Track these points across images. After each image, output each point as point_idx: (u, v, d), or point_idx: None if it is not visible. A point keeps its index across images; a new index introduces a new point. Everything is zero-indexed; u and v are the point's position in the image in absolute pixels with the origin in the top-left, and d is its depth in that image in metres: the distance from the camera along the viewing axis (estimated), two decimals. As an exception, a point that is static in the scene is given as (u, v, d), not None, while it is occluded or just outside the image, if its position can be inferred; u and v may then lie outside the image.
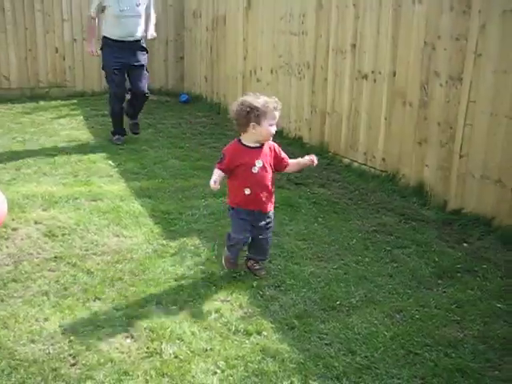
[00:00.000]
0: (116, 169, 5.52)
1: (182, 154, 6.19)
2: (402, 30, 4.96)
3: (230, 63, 8.32)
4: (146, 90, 6.48)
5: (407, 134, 4.99)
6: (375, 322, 2.93)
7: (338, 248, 3.83)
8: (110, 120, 6.70)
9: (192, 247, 3.75)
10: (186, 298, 3.11)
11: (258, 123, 3.10)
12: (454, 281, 3.42)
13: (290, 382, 2.44)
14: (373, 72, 5.36)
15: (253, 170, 3.18)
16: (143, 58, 6.43)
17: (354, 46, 5.58)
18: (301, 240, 3.92)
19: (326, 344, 2.73)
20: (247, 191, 3.21)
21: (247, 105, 3.10)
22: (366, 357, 2.63)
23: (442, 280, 3.43)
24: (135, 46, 6.33)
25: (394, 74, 5.10)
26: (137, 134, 6.79)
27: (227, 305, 3.06)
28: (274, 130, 3.17)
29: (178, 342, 2.71)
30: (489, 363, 2.62)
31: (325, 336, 2.79)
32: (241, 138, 3.23)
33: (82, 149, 6.24)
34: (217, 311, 2.98)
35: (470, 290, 3.30)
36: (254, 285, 3.23)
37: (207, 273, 3.40)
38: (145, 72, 6.44)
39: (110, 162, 5.75)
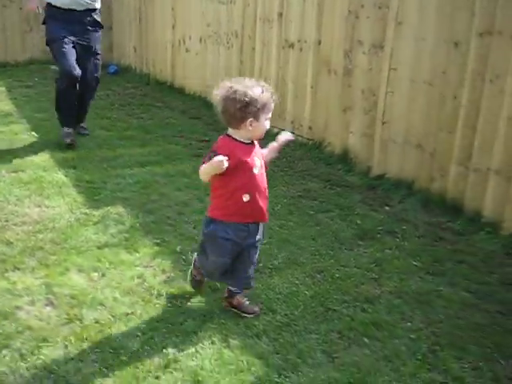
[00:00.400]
0: (39, 140, 5.35)
1: (108, 124, 6.07)
2: (327, -1, 5.00)
3: (159, 32, 8.17)
4: (98, 75, 5.39)
5: (332, 102, 5.06)
6: (296, 282, 3.00)
7: (263, 213, 3.86)
8: (56, 112, 5.33)
9: (116, 215, 3.70)
10: (108, 264, 3.07)
11: (257, 119, 2.47)
12: (375, 241, 3.53)
13: (210, 341, 2.47)
14: (299, 41, 5.38)
15: (254, 171, 2.56)
16: (95, 36, 5.25)
17: (280, 14, 5.57)
18: (227, 206, 3.92)
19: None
20: (246, 198, 2.56)
21: (242, 94, 2.42)
22: (286, 315, 2.69)
23: (363, 241, 3.53)
24: (86, 18, 5.13)
25: (320, 43, 5.14)
26: (86, 134, 5.61)
27: (150, 270, 3.05)
28: (268, 124, 2.57)
29: (99, 307, 2.69)
30: (402, 316, 2.73)
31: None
32: (229, 133, 2.56)
33: (4, 120, 6.00)
34: (139, 276, 2.97)
35: (389, 249, 3.42)
36: (178, 250, 3.23)
37: (130, 240, 3.37)
38: (96, 57, 5.31)
39: (34, 133, 5.56)
